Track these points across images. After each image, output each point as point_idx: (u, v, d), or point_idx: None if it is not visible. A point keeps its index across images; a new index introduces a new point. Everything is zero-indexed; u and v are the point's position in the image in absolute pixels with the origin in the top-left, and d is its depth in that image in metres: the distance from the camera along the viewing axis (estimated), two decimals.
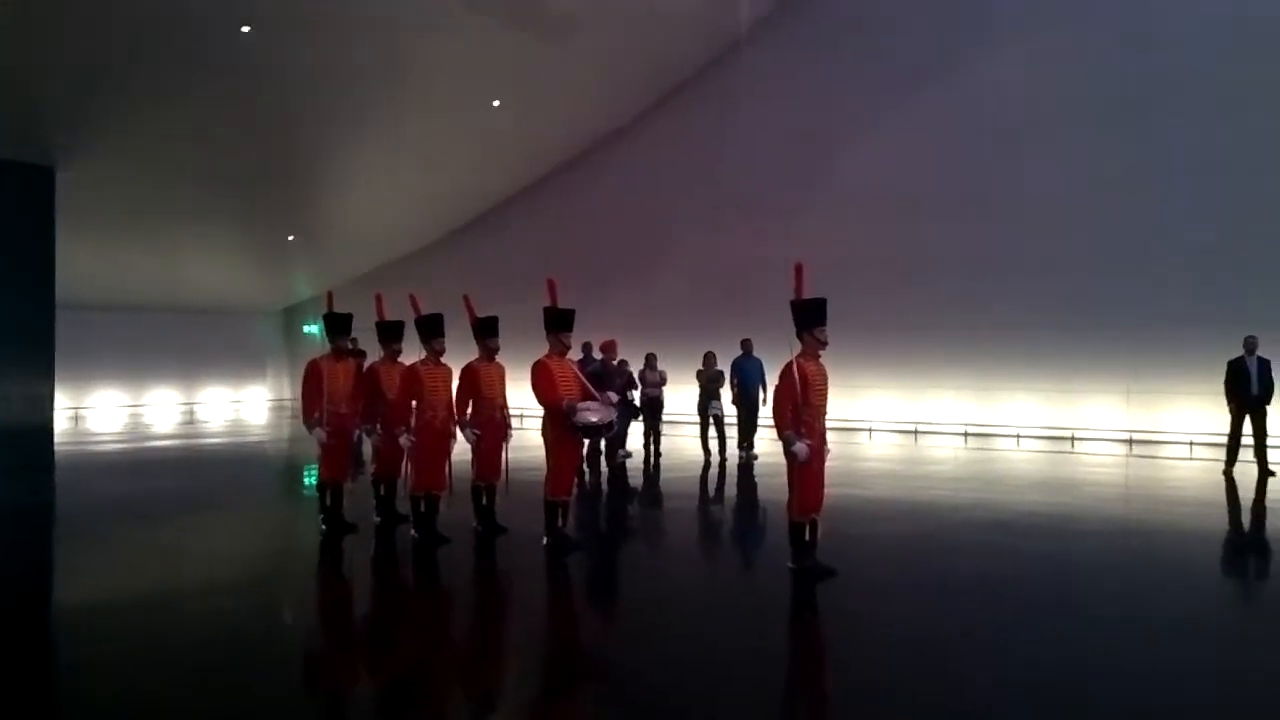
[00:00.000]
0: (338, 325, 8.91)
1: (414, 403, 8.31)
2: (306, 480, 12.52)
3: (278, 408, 25.74)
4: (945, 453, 15.58)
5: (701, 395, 14.72)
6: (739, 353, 14.58)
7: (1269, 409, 12.29)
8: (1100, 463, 14.27)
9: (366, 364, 9.48)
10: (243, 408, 25.45)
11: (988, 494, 11.30)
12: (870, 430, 18.14)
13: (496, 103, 18.30)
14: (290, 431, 19.35)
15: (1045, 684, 4.93)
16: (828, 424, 7.13)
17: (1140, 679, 5.00)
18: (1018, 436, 16.89)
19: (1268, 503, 10.66)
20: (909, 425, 18.24)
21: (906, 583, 7.09)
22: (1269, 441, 12.30)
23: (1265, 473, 12.02)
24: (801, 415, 6.80)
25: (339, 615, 6.87)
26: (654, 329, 18.11)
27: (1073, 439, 16.57)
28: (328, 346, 8.93)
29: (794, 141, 19.48)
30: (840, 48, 18.99)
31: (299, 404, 9.19)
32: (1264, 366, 12.32)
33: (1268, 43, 15.36)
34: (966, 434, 17.42)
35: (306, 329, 25.90)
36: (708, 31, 19.34)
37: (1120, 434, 16.47)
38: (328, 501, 8.74)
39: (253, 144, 17.46)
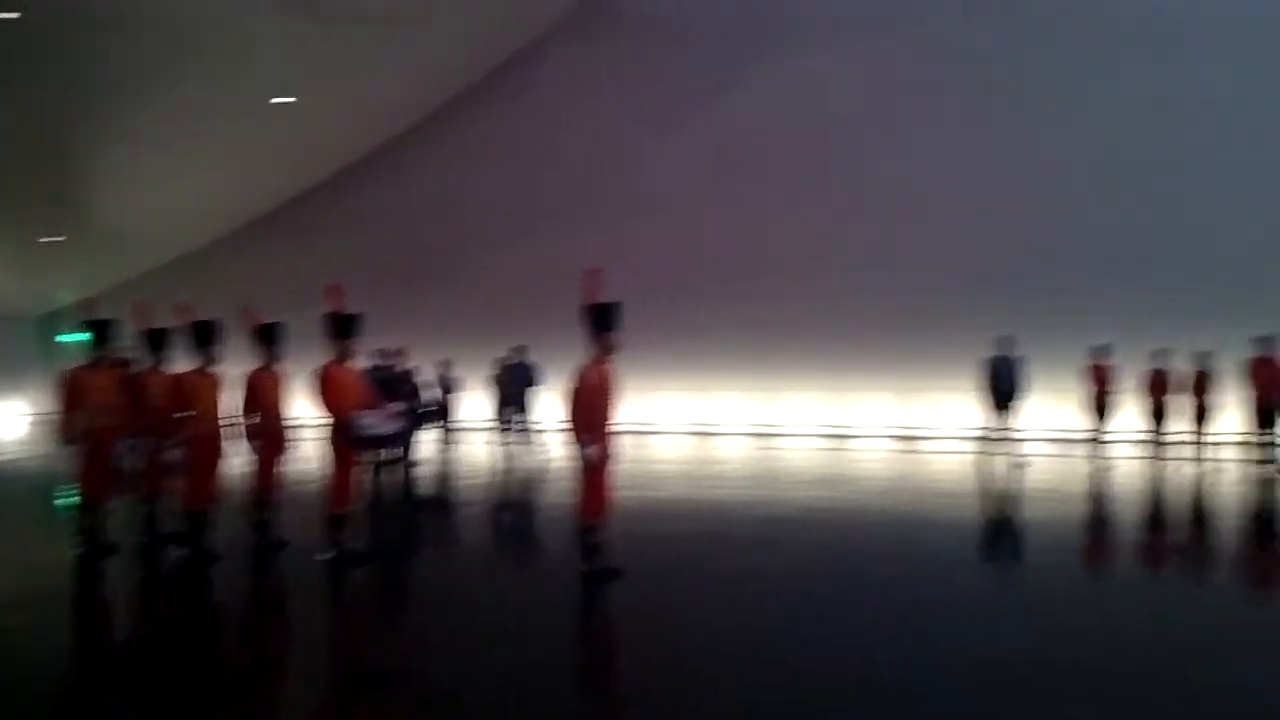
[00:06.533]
0: (102, 333, 8.35)
1: (183, 414, 7.86)
2: (66, 499, 11.59)
3: (41, 422, 23.73)
4: (733, 452, 16.08)
5: (496, 400, 14.67)
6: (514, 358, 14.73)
7: (1020, 404, 13.33)
8: (872, 458, 15.09)
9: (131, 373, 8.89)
10: None
11: (769, 491, 11.75)
12: (661, 432, 18.48)
13: (293, 99, 17.48)
14: (50, 447, 17.86)
15: (827, 663, 5.18)
16: (616, 427, 7.22)
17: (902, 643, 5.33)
18: (798, 435, 17.62)
19: (1024, 491, 11.55)
20: (698, 426, 18.71)
21: (691, 578, 7.27)
22: (1020, 435, 13.35)
23: (1018, 464, 13.02)
24: (592, 419, 6.87)
25: (88, 642, 6.40)
26: (459, 332, 17.86)
27: (848, 436, 17.42)
28: (87, 356, 8.34)
29: (597, 142, 19.63)
30: (640, 48, 19.27)
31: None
32: (1017, 365, 13.33)
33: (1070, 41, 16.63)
34: (752, 433, 18.01)
35: (62, 338, 24.00)
36: (507, 31, 19.20)
37: (891, 430, 17.46)
38: (88, 521, 8.14)
39: (8, 137, 16.05)
